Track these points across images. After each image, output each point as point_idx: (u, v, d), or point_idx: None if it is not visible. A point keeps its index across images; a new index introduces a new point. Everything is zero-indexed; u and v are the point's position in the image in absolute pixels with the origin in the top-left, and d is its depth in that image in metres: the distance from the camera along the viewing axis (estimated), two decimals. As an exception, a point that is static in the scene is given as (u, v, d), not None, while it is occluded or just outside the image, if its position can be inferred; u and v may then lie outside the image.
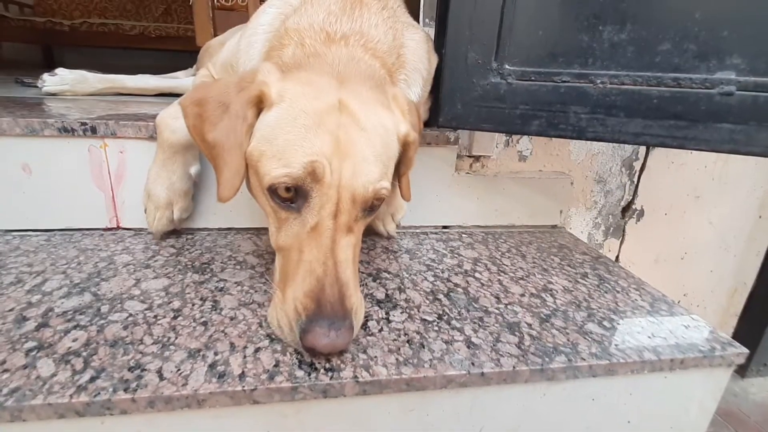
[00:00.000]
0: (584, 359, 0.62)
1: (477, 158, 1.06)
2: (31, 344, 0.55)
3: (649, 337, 0.69)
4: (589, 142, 1.14)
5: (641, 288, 0.86)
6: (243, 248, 0.87)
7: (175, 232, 0.91)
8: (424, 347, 0.61)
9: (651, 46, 0.66)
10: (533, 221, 1.13)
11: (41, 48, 3.66)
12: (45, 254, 0.79)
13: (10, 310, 0.62)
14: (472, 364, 0.59)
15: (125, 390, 0.49)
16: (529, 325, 0.69)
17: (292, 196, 0.58)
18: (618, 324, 0.72)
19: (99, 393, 0.49)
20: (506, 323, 0.69)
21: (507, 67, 0.74)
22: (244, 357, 0.56)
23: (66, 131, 0.82)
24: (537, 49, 0.72)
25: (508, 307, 0.74)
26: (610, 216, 1.25)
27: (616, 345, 0.66)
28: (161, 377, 0.52)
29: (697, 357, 0.66)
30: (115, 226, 0.91)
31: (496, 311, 0.72)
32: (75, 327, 0.59)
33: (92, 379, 0.51)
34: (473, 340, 0.64)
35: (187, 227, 0.93)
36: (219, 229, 0.95)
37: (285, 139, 0.57)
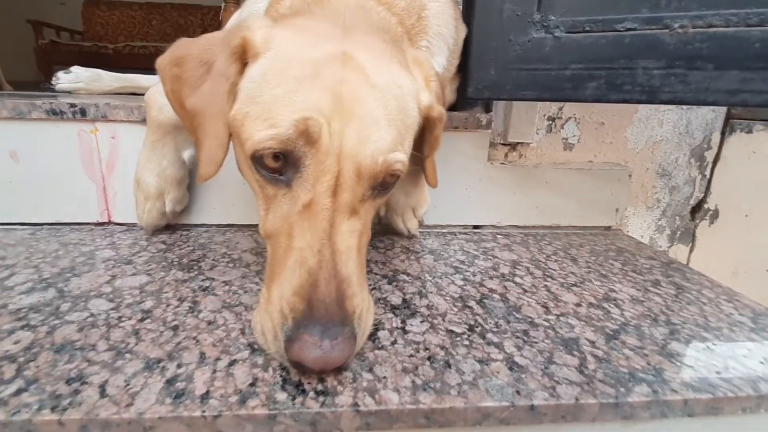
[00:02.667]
0: (675, 391, 0.45)
1: (514, 146, 0.91)
2: (-37, 346, 0.45)
3: (762, 362, 0.51)
4: (649, 127, 0.96)
5: (734, 299, 0.67)
6: (240, 245, 0.76)
7: (169, 227, 0.81)
8: (450, 367, 0.46)
9: (749, -26, 0.51)
10: (583, 221, 0.96)
11: (87, 70, 3.86)
12: (24, 248, 0.71)
13: (-42, 305, 0.53)
14: (518, 392, 0.43)
15: (53, 409, 0.38)
16: (592, 342, 0.52)
17: (281, 165, 0.46)
18: (714, 344, 0.54)
19: (20, 410, 0.37)
20: (560, 339, 0.52)
21: (553, 18, 0.60)
22: (214, 372, 0.43)
23: (54, 114, 0.75)
24: (592, -8, 0.58)
25: (561, 318, 0.57)
26: (677, 217, 1.05)
27: (717, 373, 0.48)
28: (102, 393, 0.39)
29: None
30: (107, 221, 0.82)
31: (545, 323, 0.56)
32: (23, 327, 0.49)
33: (18, 392, 0.39)
34: (517, 359, 0.48)
35: (184, 222, 0.84)
36: (218, 226, 0.85)
37: (271, 94, 0.46)
